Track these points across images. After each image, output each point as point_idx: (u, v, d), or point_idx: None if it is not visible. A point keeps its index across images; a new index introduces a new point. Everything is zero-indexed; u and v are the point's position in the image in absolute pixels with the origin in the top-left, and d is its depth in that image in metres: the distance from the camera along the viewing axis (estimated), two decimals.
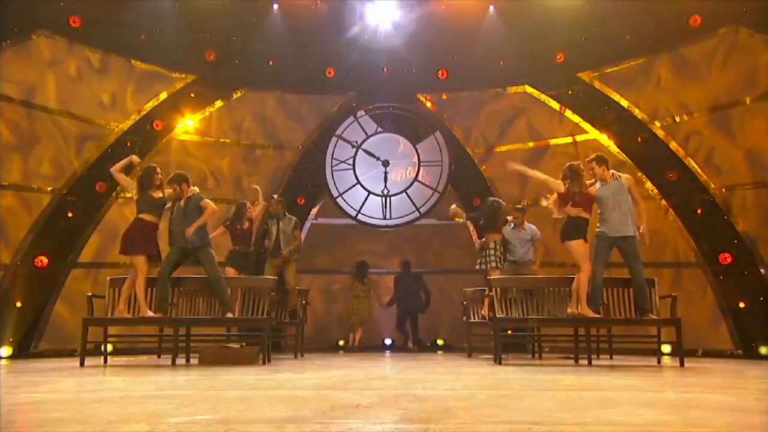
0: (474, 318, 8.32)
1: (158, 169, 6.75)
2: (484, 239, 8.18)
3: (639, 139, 9.52)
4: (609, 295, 6.69)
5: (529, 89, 10.64)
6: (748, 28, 8.45)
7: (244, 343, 7.40)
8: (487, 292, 7.34)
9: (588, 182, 6.51)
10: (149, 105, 9.95)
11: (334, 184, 11.23)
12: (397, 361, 7.82)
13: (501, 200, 8.52)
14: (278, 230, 8.58)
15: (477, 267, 8.15)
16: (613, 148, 9.72)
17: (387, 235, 11.38)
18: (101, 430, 2.55)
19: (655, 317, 6.45)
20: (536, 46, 10.34)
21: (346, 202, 11.20)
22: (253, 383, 4.52)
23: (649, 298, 6.40)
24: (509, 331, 7.98)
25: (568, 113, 10.32)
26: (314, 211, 11.33)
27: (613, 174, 6.51)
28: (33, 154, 8.76)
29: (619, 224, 6.30)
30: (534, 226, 8.22)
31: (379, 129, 11.35)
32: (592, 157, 6.60)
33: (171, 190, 6.71)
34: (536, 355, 8.21)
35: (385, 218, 11.20)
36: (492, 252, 7.94)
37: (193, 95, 10.13)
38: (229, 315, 6.63)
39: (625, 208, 6.33)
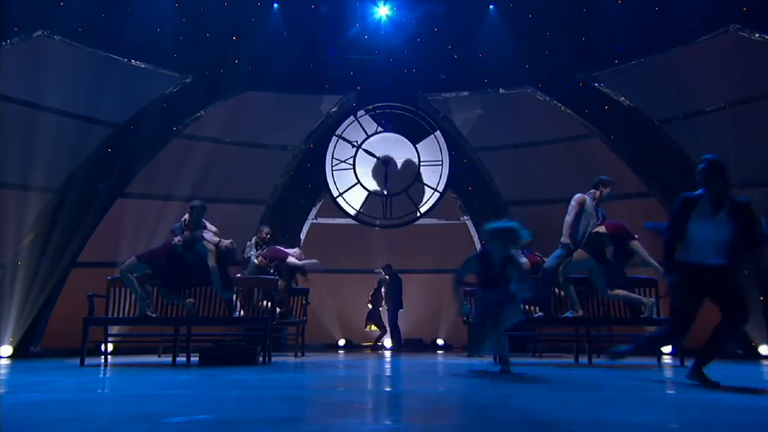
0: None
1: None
2: None
3: (639, 139, 9.52)
4: None
5: (529, 89, 10.62)
6: (749, 28, 8.44)
7: (244, 342, 7.40)
8: None
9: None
10: (149, 105, 9.94)
11: (335, 183, 11.23)
12: (397, 361, 7.82)
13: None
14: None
15: None
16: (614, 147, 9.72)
17: (387, 235, 11.36)
18: (101, 430, 2.55)
19: (654, 317, 6.46)
20: (536, 46, 10.34)
21: (347, 202, 11.20)
22: (253, 383, 4.52)
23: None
24: None
25: (568, 112, 10.29)
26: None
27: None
28: (33, 153, 8.75)
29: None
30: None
31: (380, 128, 11.34)
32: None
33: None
34: (536, 355, 8.20)
35: (385, 218, 11.21)
36: None
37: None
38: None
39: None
